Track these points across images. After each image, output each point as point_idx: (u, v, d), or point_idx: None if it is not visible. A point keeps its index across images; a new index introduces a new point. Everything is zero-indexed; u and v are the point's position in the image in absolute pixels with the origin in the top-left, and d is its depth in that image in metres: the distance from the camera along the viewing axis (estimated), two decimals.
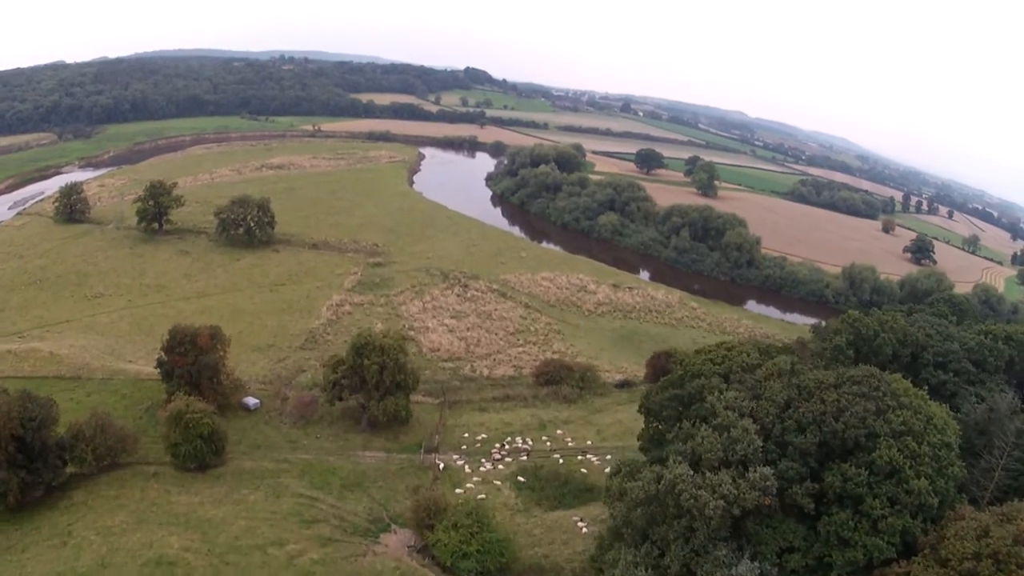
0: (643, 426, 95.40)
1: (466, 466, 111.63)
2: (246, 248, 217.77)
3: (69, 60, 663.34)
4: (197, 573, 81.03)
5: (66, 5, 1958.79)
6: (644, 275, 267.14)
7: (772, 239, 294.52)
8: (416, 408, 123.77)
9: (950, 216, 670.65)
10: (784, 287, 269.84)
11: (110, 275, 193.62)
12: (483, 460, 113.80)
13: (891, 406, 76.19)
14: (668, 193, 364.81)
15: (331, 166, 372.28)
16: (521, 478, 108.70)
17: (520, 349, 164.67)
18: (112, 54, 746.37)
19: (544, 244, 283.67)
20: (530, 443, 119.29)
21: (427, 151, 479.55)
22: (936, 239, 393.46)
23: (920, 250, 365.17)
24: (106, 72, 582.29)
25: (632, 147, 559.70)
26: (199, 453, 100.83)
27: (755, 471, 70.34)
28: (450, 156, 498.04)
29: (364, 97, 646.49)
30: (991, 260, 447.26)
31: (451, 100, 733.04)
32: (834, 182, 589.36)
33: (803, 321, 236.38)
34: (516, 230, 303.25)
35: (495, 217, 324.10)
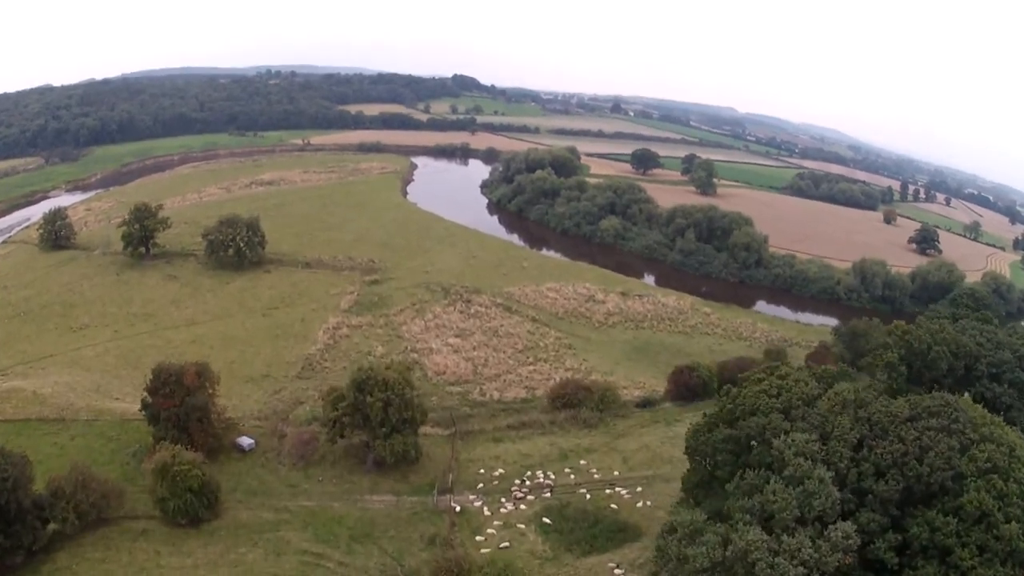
0: (689, 468, 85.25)
1: (485, 508, 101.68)
2: (236, 270, 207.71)
3: (56, 83, 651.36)
4: None
5: (52, 29, 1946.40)
6: (650, 279, 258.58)
7: (776, 236, 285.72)
8: (425, 442, 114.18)
9: (947, 203, 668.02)
10: (794, 286, 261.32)
11: (96, 304, 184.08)
12: (503, 499, 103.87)
13: (973, 440, 67.03)
14: (667, 193, 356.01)
15: (322, 180, 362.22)
16: (546, 519, 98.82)
17: (531, 368, 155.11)
18: (99, 76, 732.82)
19: (545, 252, 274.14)
20: (552, 477, 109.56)
21: (419, 160, 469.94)
22: (938, 227, 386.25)
23: (925, 240, 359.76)
24: (92, 94, 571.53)
25: (625, 147, 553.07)
26: (190, 508, 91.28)
27: (835, 528, 60.63)
28: (443, 164, 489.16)
29: (353, 108, 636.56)
30: (993, 246, 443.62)
31: (440, 108, 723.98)
32: (831, 174, 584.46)
33: (818, 321, 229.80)
34: (516, 239, 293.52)
35: (493, 226, 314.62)
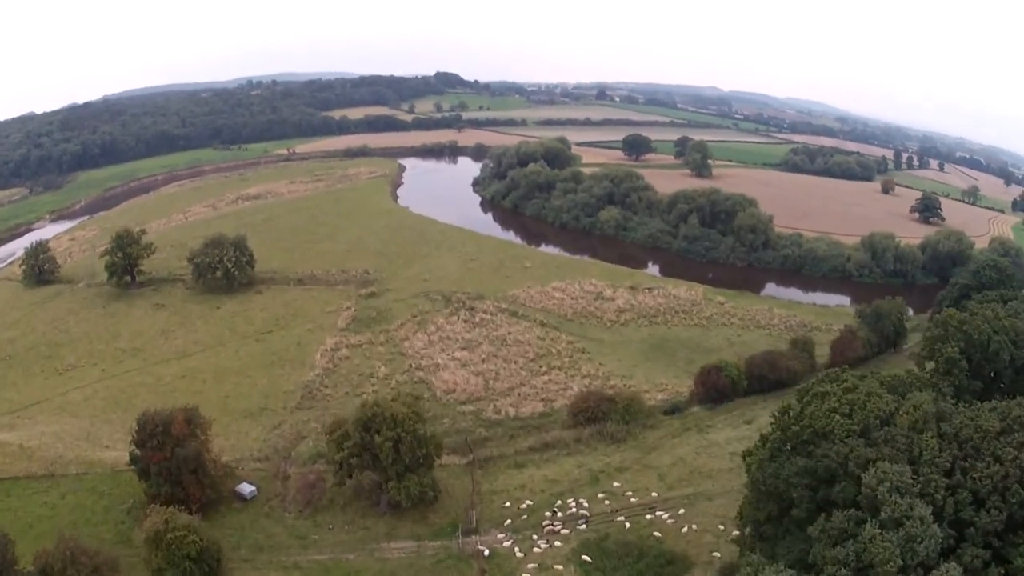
0: (750, 501, 75.49)
1: (516, 548, 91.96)
2: (226, 293, 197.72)
3: (39, 110, 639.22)
4: None
5: (31, 56, 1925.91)
6: (655, 269, 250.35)
7: (777, 214, 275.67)
8: (442, 473, 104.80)
9: (941, 168, 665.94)
10: (804, 266, 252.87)
11: (82, 341, 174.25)
12: (535, 537, 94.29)
13: None
14: (663, 178, 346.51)
15: (309, 189, 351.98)
16: (586, 557, 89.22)
17: (545, 378, 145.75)
18: (81, 99, 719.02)
19: (546, 248, 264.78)
20: (586, 505, 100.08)
21: (407, 162, 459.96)
22: (935, 194, 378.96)
23: (928, 208, 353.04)
24: (73, 118, 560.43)
25: (615, 134, 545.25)
26: None
27: (940, 574, 51.38)
28: (432, 164, 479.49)
29: (337, 113, 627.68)
30: (993, 209, 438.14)
31: (425, 107, 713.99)
32: (825, 147, 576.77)
33: (833, 301, 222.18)
34: (515, 237, 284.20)
35: (488, 224, 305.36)
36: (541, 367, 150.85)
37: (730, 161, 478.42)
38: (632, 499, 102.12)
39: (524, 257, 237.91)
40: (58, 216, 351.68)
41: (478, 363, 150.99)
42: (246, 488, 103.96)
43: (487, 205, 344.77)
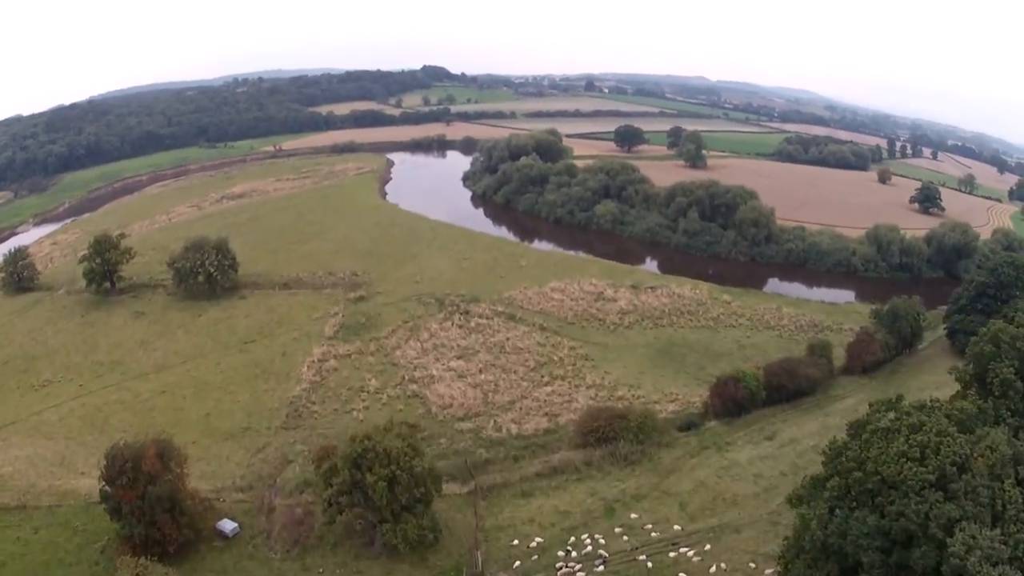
0: (804, 561, 65.78)
1: None
2: (208, 299, 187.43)
3: (25, 113, 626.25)
4: None
5: (17, 58, 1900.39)
6: (653, 264, 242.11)
7: (776, 206, 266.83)
8: (441, 505, 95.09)
9: (934, 157, 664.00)
10: (808, 260, 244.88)
11: (60, 354, 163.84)
12: None
13: None
14: (657, 169, 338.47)
15: (296, 187, 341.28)
16: None
17: (548, 389, 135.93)
18: (68, 101, 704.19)
19: (541, 245, 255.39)
20: (603, 543, 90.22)
21: (395, 157, 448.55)
22: (932, 183, 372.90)
23: (927, 199, 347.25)
24: (58, 120, 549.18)
25: (605, 125, 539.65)
26: None
27: None
28: (420, 159, 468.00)
29: (323, 109, 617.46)
30: (990, 198, 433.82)
31: (413, 101, 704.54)
32: (818, 137, 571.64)
33: (840, 297, 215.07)
34: (508, 233, 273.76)
35: (480, 220, 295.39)
36: (543, 377, 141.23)
37: (723, 151, 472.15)
38: (652, 533, 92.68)
39: (519, 255, 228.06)
40: (42, 219, 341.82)
41: (475, 373, 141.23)
42: (228, 525, 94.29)
43: (478, 200, 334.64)
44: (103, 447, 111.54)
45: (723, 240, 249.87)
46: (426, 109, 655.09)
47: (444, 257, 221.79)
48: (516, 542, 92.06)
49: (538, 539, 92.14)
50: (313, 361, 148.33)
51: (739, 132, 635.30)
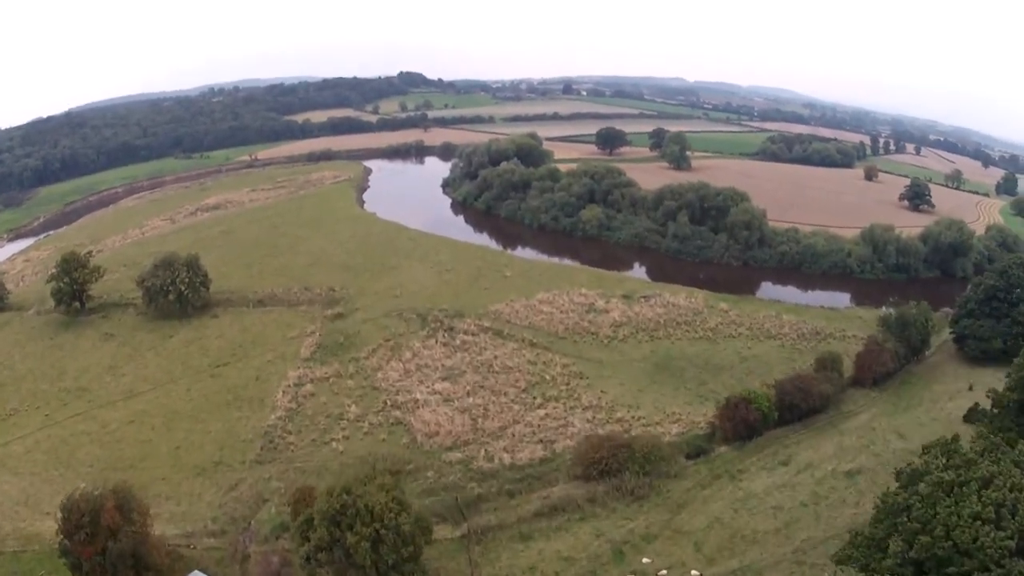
0: None
1: None
2: (179, 319, 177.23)
3: (3, 127, 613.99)
4: None
5: None
6: (642, 271, 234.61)
7: (766, 207, 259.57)
8: (431, 553, 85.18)
9: (918, 152, 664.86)
10: (803, 263, 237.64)
11: (27, 380, 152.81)
12: None
13: None
14: (641, 172, 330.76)
15: (271, 197, 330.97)
16: None
17: (541, 412, 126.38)
18: (46, 114, 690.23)
19: (525, 254, 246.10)
20: None
21: (373, 164, 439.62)
22: (920, 180, 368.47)
23: (917, 196, 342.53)
24: (34, 132, 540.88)
25: (585, 128, 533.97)
26: None
27: None
28: (398, 166, 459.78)
29: (300, 117, 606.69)
30: (977, 193, 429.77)
31: (390, 107, 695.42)
32: (801, 135, 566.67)
33: (836, 300, 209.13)
34: (490, 241, 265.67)
35: (461, 228, 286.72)
36: (535, 398, 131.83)
37: (706, 152, 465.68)
38: None
39: (503, 265, 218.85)
40: (16, 235, 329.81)
41: (463, 396, 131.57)
42: None
43: (458, 207, 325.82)
44: (69, 484, 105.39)
45: (715, 244, 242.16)
46: (404, 115, 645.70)
47: (425, 268, 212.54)
48: None
49: None
50: (289, 386, 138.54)
51: (721, 132, 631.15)
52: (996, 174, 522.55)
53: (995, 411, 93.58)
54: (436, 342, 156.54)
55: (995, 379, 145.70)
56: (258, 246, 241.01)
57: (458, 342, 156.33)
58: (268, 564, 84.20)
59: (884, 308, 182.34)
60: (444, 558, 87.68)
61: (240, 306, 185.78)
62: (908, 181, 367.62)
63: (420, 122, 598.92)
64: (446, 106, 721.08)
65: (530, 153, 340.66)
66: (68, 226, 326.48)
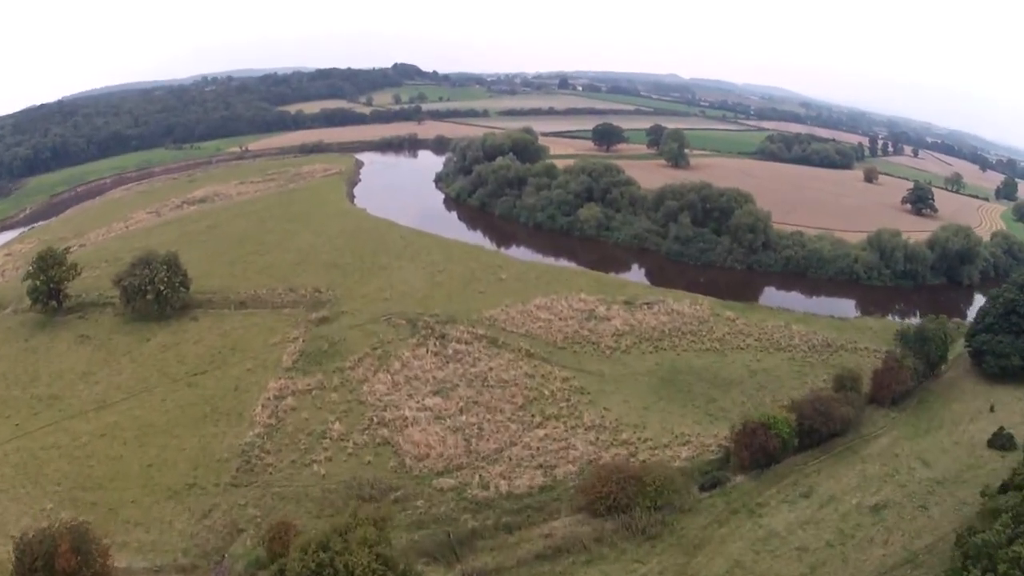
0: None
1: None
2: (157, 321, 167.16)
3: None
4: None
5: None
6: (641, 273, 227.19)
7: (769, 209, 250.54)
8: None
9: (915, 155, 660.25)
10: (809, 268, 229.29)
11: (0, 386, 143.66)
12: None
13: None
14: (638, 169, 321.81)
15: (259, 190, 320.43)
16: None
17: (540, 432, 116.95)
18: (39, 101, 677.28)
19: (521, 254, 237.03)
20: None
21: (365, 157, 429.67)
22: (923, 183, 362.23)
23: (920, 199, 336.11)
24: (25, 121, 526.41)
25: (581, 124, 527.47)
26: None
27: None
28: (391, 159, 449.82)
29: (292, 108, 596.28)
30: (978, 197, 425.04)
31: (383, 99, 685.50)
32: (800, 135, 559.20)
33: (845, 308, 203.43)
34: (484, 240, 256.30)
35: (455, 226, 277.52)
36: (534, 416, 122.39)
37: (704, 150, 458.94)
38: None
39: (498, 266, 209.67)
40: (1, 226, 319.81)
41: (455, 414, 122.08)
42: None
43: (452, 203, 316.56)
44: (37, 501, 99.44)
45: (718, 247, 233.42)
46: (397, 107, 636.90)
47: (416, 269, 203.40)
48: None
49: None
50: (269, 398, 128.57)
51: (718, 130, 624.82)
52: (994, 177, 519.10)
53: None
54: (427, 351, 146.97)
55: (1015, 398, 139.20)
56: (244, 242, 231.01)
57: (450, 351, 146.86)
58: None
59: (892, 317, 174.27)
60: None
61: (221, 308, 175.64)
62: (908, 183, 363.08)
63: (414, 115, 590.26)
64: (440, 99, 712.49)
65: (526, 148, 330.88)
66: (54, 218, 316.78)
